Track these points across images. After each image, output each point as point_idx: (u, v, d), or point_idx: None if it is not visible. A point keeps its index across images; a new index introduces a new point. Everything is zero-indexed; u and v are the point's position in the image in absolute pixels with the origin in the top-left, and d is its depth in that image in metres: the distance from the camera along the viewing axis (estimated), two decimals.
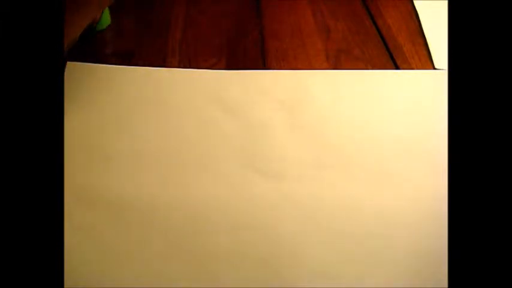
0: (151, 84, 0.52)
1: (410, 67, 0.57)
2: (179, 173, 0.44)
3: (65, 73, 0.52)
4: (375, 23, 0.63)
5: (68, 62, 0.53)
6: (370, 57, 0.58)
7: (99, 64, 0.54)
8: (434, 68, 0.56)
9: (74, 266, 0.37)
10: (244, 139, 0.47)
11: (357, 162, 0.46)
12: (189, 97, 0.51)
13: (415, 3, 0.66)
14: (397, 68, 0.57)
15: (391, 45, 0.60)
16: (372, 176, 0.45)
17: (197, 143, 0.47)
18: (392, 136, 0.48)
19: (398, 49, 0.59)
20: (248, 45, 0.59)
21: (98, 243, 0.39)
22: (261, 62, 0.57)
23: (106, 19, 0.59)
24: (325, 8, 0.65)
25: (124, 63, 0.54)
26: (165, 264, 0.38)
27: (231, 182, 0.44)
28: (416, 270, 0.38)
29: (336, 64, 0.57)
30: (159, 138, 0.47)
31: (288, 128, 0.48)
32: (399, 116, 0.50)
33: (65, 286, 0.31)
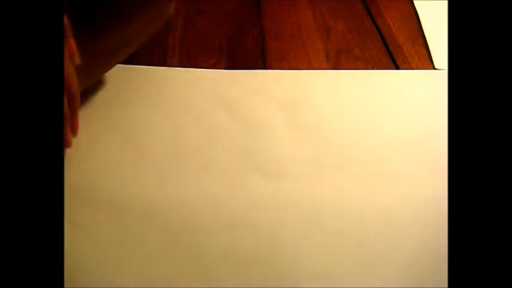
0: (152, 83, 0.52)
1: (410, 67, 0.57)
2: (179, 173, 0.44)
3: None
4: (374, 23, 0.63)
5: None
6: (370, 57, 0.58)
7: None
8: (434, 68, 0.56)
9: (74, 266, 0.37)
10: (244, 139, 0.47)
11: (356, 162, 0.46)
12: (189, 97, 0.51)
13: (415, 3, 0.66)
14: (397, 68, 0.57)
15: (391, 45, 0.60)
16: (372, 176, 0.44)
17: (197, 143, 0.47)
18: (392, 136, 0.48)
19: (398, 49, 0.59)
20: (248, 45, 0.59)
21: (98, 243, 0.39)
22: (261, 62, 0.57)
23: None
24: (325, 8, 0.65)
25: (124, 62, 0.54)
26: (165, 264, 0.38)
27: (230, 182, 0.44)
28: (416, 270, 0.38)
29: (336, 64, 0.57)
30: (158, 138, 0.47)
31: (288, 128, 0.48)
32: (399, 116, 0.50)
33: (65, 286, 0.31)
